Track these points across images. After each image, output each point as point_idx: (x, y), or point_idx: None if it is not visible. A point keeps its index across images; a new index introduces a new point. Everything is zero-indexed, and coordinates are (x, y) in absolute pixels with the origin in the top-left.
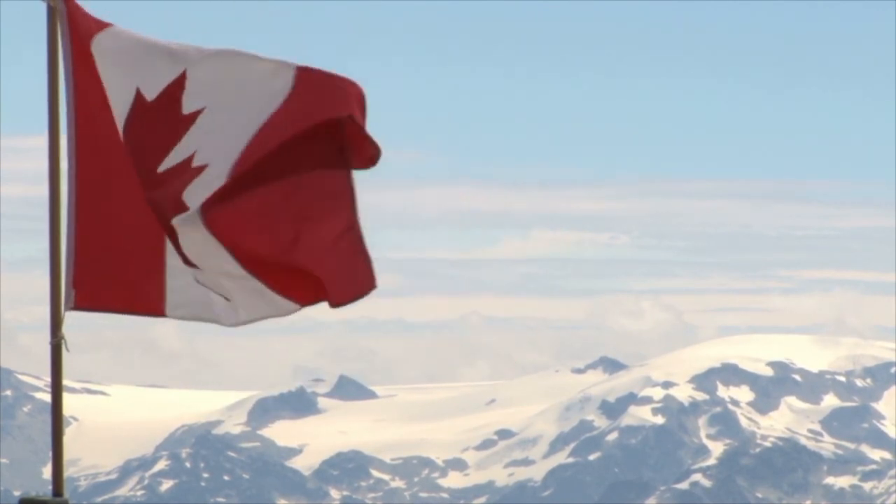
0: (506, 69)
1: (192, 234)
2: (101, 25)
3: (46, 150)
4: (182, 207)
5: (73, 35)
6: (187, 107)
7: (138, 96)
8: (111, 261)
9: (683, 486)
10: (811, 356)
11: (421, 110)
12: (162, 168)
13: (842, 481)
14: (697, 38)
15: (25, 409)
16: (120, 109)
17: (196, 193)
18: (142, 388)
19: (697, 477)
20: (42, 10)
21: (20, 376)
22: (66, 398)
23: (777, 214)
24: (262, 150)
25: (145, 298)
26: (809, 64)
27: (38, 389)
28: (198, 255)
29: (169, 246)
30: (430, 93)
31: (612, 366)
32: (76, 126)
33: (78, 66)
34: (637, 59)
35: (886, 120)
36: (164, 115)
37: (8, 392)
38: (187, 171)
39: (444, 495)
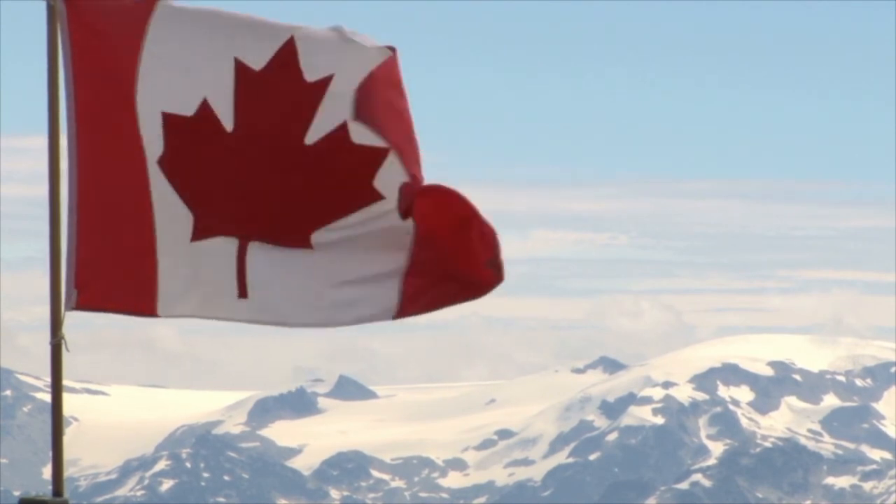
0: (505, 69)
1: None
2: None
3: (46, 150)
4: (375, 196)
5: (75, 33)
6: (309, 73)
7: (240, 66)
8: (112, 260)
9: (683, 486)
10: (811, 356)
11: (420, 110)
12: (310, 139)
13: (842, 481)
14: (697, 38)
15: (25, 409)
16: (212, 83)
17: (390, 183)
18: (142, 388)
19: (697, 477)
20: (42, 10)
21: (20, 376)
22: (66, 398)
23: (776, 215)
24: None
25: (147, 298)
26: (809, 64)
27: (38, 389)
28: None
29: (161, 243)
30: (430, 93)
31: (611, 366)
32: (76, 126)
33: (78, 65)
34: (637, 59)
35: (886, 120)
36: (283, 84)
37: (8, 392)
38: (349, 147)
39: (444, 495)
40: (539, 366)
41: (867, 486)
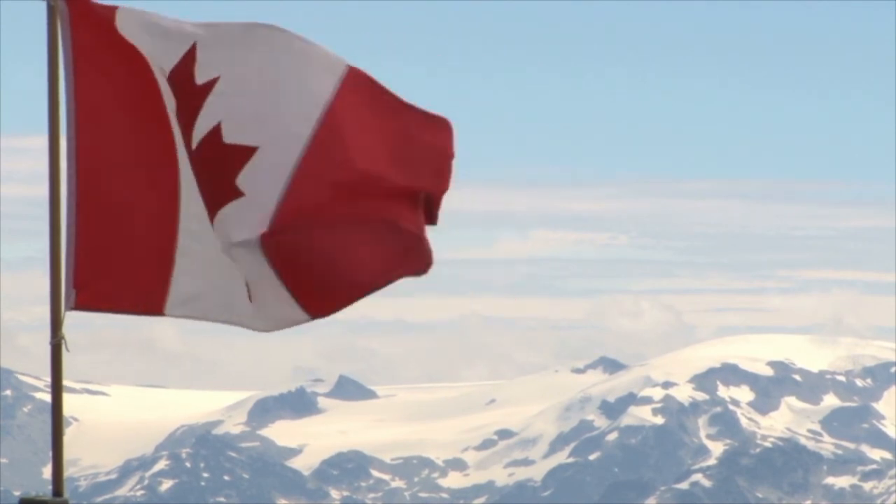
0: (506, 69)
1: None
2: (111, 10)
3: (46, 150)
4: (235, 193)
5: (76, 33)
6: (200, 77)
7: (160, 73)
8: (112, 260)
9: (683, 486)
10: (811, 356)
11: None
12: (194, 144)
13: (842, 481)
14: (697, 38)
15: (25, 409)
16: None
17: (254, 181)
18: (142, 388)
19: (697, 477)
20: (42, 10)
21: (20, 376)
22: (66, 398)
23: (776, 214)
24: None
25: (147, 297)
26: (809, 64)
27: (38, 389)
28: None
29: (180, 244)
30: (429, 92)
31: (611, 366)
32: (76, 126)
33: (79, 65)
34: (637, 59)
35: (886, 120)
36: (183, 87)
37: (8, 392)
38: (221, 147)
39: (444, 495)
40: (539, 366)
41: (867, 486)
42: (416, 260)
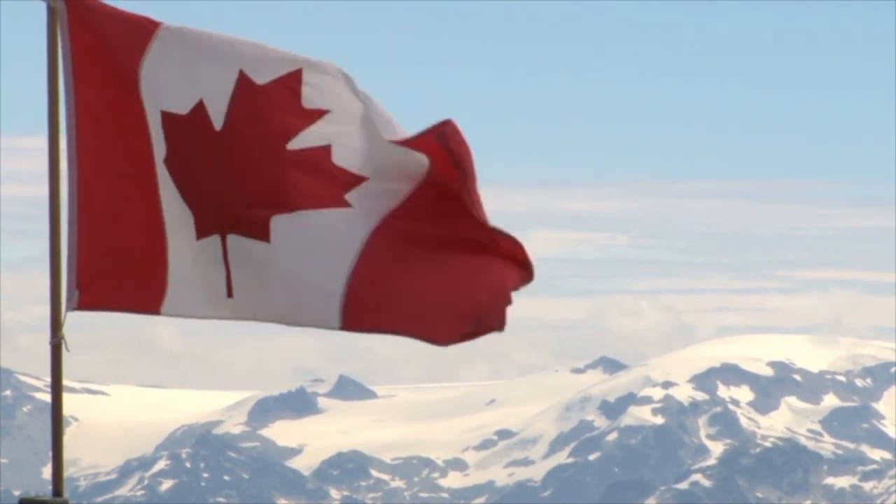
0: (505, 69)
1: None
2: (155, 24)
3: (46, 150)
4: (342, 203)
5: (75, 32)
6: (307, 102)
7: (243, 77)
8: (115, 260)
9: (683, 486)
10: (811, 356)
11: (419, 110)
12: (292, 146)
13: (842, 481)
14: (697, 38)
15: (25, 409)
16: (211, 87)
17: (363, 201)
18: (142, 388)
19: (697, 477)
20: (42, 10)
21: (20, 376)
22: (66, 398)
23: (775, 214)
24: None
25: (147, 296)
26: (809, 64)
27: (38, 389)
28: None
29: (171, 243)
30: (429, 92)
31: (611, 366)
32: (76, 126)
33: (78, 65)
34: (637, 58)
35: (886, 120)
36: (280, 102)
37: (8, 392)
38: (328, 165)
39: (444, 495)
40: (539, 366)
41: (867, 486)
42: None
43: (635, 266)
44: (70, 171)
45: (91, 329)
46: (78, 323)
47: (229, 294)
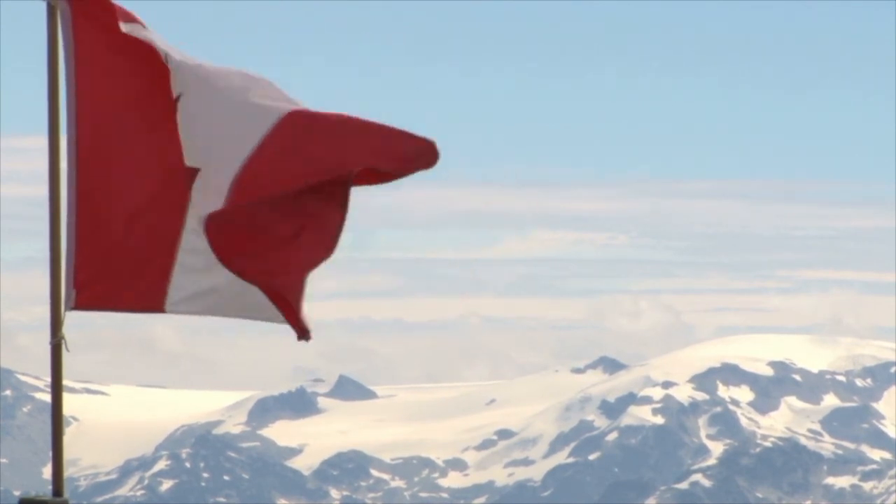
0: (505, 69)
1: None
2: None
3: (46, 150)
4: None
5: (78, 32)
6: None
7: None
8: (113, 260)
9: (683, 486)
10: (811, 356)
11: (419, 110)
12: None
13: (842, 481)
14: (697, 38)
15: (25, 409)
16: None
17: (200, 199)
18: (142, 388)
19: (697, 477)
20: (42, 10)
21: (20, 376)
22: (66, 398)
23: (775, 214)
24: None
25: (147, 295)
26: (809, 64)
27: (38, 389)
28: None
29: (183, 241)
30: (429, 92)
31: (611, 366)
32: (76, 126)
33: (80, 64)
34: (637, 59)
35: (886, 120)
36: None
37: (8, 392)
38: (182, 168)
39: (444, 495)
40: (539, 366)
41: (867, 486)
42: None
43: (635, 266)
44: (69, 170)
45: (91, 329)
46: (78, 323)
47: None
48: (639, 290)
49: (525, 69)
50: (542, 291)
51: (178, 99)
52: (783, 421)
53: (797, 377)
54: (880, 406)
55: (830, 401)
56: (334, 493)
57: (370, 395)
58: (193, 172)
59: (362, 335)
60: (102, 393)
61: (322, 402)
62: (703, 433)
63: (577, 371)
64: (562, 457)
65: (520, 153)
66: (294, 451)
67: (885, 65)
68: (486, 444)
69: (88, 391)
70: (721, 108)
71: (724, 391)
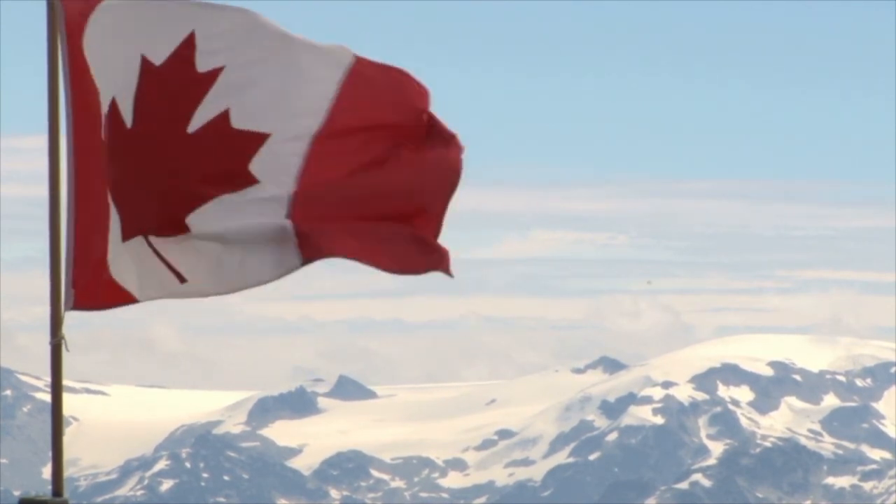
0: (506, 69)
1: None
2: (93, 3)
3: (46, 150)
4: (249, 180)
5: (70, 30)
6: (202, 66)
7: (145, 63)
8: (108, 259)
9: (683, 486)
10: (811, 356)
11: None
12: (193, 128)
13: (842, 481)
14: (697, 38)
15: (25, 409)
16: (121, 82)
17: (267, 170)
18: (142, 388)
19: (697, 477)
20: (42, 10)
21: (20, 376)
22: (66, 398)
23: (775, 214)
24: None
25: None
26: (809, 64)
27: (38, 389)
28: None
29: (111, 245)
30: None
31: (611, 366)
32: (75, 126)
33: (76, 65)
34: (636, 59)
35: (886, 120)
36: (178, 79)
37: (8, 392)
38: (228, 132)
39: (444, 495)
40: (539, 366)
41: (867, 486)
42: (424, 259)
43: (635, 266)
44: (69, 170)
45: (90, 329)
46: (78, 323)
47: (182, 281)
48: (638, 290)
49: (525, 69)
50: (542, 291)
51: (216, 72)
52: (783, 421)
53: (797, 377)
54: (880, 406)
55: (830, 401)
56: (334, 493)
57: (370, 395)
58: (261, 137)
59: (362, 335)
60: (102, 393)
61: (322, 402)
62: (703, 433)
63: (577, 371)
64: (562, 457)
65: (520, 153)
66: (294, 451)
67: (885, 65)
68: (486, 444)
69: (88, 391)
70: (721, 109)
71: (724, 391)
